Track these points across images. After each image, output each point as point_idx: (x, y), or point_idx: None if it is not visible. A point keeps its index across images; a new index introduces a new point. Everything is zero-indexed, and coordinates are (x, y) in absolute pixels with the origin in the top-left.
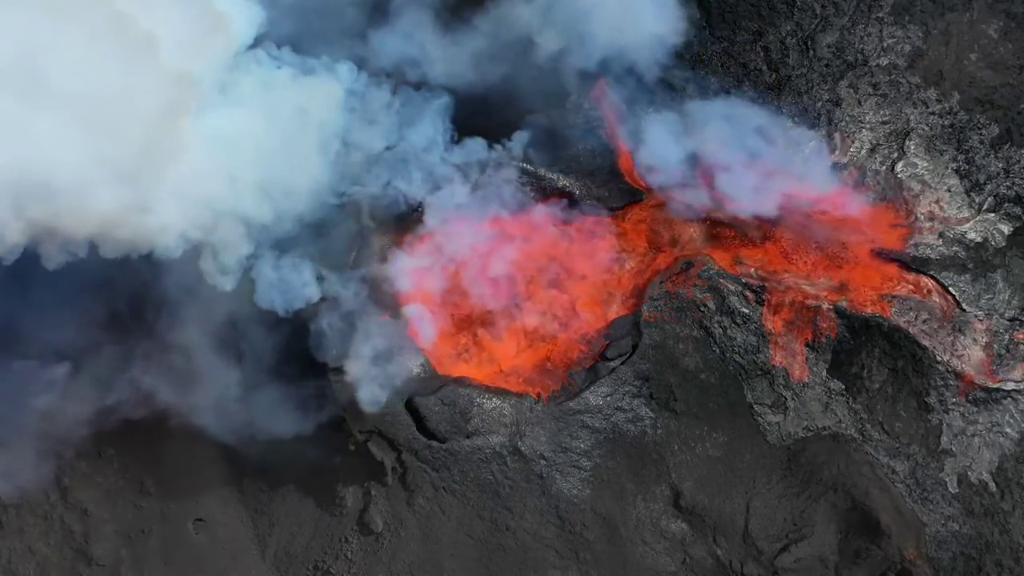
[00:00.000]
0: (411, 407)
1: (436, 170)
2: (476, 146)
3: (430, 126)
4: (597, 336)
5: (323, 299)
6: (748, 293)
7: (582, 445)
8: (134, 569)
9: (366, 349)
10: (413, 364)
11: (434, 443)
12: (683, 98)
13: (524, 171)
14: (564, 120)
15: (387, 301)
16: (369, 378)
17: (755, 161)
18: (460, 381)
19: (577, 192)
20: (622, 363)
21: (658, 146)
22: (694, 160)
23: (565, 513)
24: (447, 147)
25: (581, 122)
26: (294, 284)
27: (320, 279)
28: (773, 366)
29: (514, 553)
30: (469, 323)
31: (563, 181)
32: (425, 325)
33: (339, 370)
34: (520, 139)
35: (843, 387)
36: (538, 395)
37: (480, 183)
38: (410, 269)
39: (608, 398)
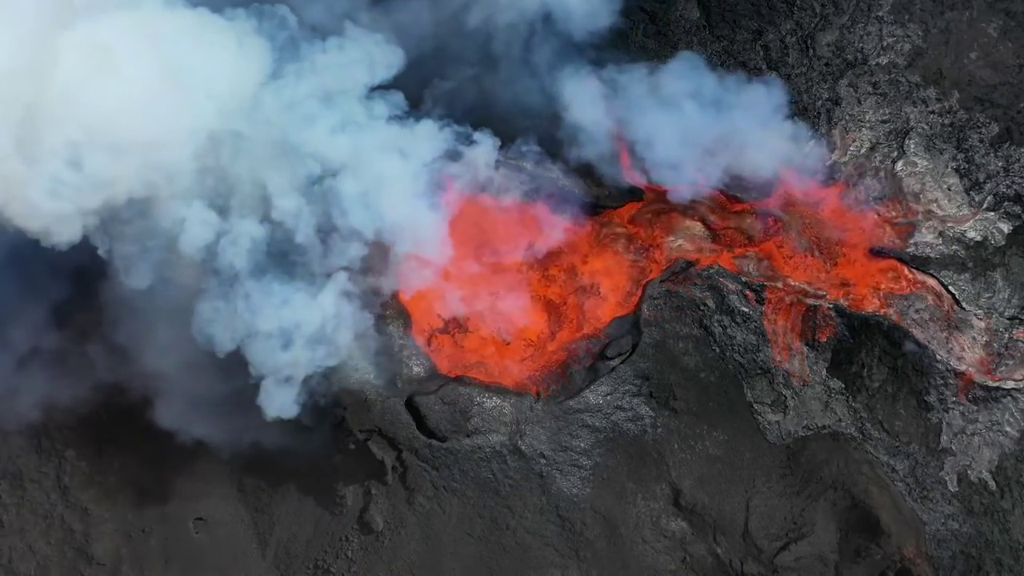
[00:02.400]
0: (411, 406)
1: (357, 116)
2: (397, 99)
3: (356, 71)
4: (596, 334)
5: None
6: (748, 292)
7: (582, 444)
8: (134, 568)
9: (276, 341)
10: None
11: (434, 442)
12: (615, 64)
13: (519, 168)
14: (495, 82)
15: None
16: (277, 378)
17: (696, 132)
18: (460, 380)
19: (577, 191)
20: (622, 362)
21: (584, 116)
22: (620, 130)
23: (565, 512)
24: (367, 93)
25: (580, 122)
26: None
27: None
28: (773, 365)
29: (514, 552)
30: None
31: (563, 180)
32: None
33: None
34: (436, 90)
35: (843, 386)
36: (538, 394)
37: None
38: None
39: (608, 397)
